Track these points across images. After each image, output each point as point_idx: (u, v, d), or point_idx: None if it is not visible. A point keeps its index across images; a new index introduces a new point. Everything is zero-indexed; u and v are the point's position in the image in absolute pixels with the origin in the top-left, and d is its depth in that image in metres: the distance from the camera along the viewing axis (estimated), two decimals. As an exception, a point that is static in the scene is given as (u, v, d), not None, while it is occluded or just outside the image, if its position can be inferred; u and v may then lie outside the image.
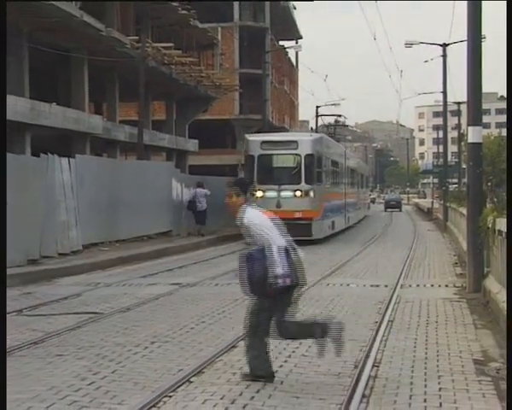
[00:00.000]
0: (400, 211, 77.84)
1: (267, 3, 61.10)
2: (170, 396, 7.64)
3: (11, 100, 24.09)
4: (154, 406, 7.29)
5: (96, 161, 29.44)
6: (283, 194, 29.19)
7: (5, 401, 5.32)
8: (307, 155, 29.74)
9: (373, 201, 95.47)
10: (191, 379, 8.31)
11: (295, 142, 30.47)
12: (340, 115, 62.98)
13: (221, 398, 7.55)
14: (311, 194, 29.57)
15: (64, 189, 22.66)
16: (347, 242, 32.36)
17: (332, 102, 68.90)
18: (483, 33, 15.80)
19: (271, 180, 29.57)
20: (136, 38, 34.90)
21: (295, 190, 29.33)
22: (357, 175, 51.19)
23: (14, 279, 16.44)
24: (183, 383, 8.13)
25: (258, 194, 27.94)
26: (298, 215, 28.53)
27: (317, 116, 63.46)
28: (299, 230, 24.14)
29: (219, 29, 52.80)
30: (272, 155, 30.51)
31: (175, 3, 38.28)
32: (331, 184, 34.98)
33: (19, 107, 25.84)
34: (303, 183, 29.46)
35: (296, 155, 30.00)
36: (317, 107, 65.21)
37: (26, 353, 9.82)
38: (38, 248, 20.35)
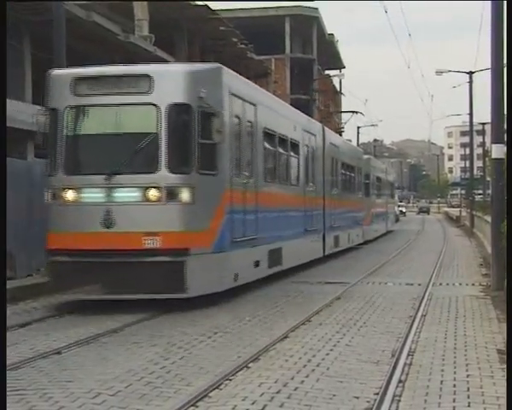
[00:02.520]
0: (428, 214, 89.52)
1: (315, 38, 61.00)
2: (230, 380, 7.64)
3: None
4: (217, 388, 7.29)
5: None
6: (118, 195, 12.24)
7: (5, 401, 5.29)
8: (173, 107, 12.40)
9: (402, 212, 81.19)
10: (249, 365, 8.31)
11: (146, 77, 12.51)
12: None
13: (275, 382, 7.53)
14: (185, 194, 12.39)
15: None
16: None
17: (371, 123, 68.79)
18: (505, 61, 15.67)
19: (93, 165, 12.72)
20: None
21: (147, 188, 12.25)
22: (360, 174, 31.73)
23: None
24: (242, 369, 8.12)
25: (68, 196, 12.40)
26: (151, 243, 12.07)
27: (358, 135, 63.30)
28: (153, 277, 11.84)
29: (273, 60, 52.94)
30: (94, 106, 12.71)
31: (234, 39, 38.43)
32: (269, 178, 16.64)
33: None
34: (163, 169, 12.26)
35: (148, 105, 12.43)
36: (358, 127, 65.17)
37: (108, 340, 9.92)
38: None
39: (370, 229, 32.87)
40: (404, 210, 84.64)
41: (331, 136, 26.24)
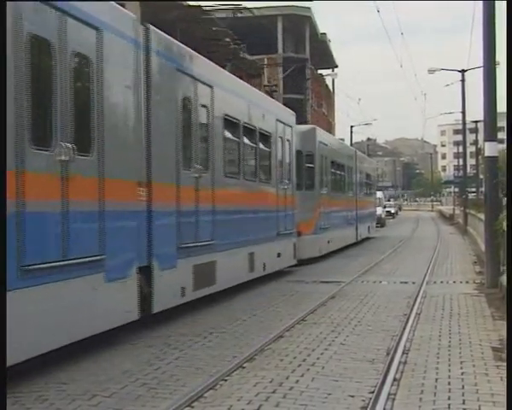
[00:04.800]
0: (394, 218, 69.83)
1: (307, 38, 60.99)
2: (226, 380, 7.64)
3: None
4: (212, 388, 7.30)
5: None
6: None
7: (5, 401, 5.28)
8: None
9: (391, 213, 69.89)
10: (244, 365, 8.32)
11: None
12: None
13: (270, 381, 7.54)
14: None
15: None
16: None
17: (365, 122, 68.93)
18: (497, 59, 15.75)
19: None
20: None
21: None
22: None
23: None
24: (237, 369, 8.13)
25: None
26: None
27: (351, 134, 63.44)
28: None
29: (265, 60, 52.90)
30: None
31: (227, 39, 38.41)
32: (230, 173, 14.38)
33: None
34: None
35: None
36: (352, 126, 65.33)
37: (103, 341, 9.91)
38: None
39: (317, 240, 22.61)
40: (392, 211, 71.90)
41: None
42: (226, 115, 14.01)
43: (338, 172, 27.42)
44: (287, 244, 18.61)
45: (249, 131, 15.67)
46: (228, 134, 14.21)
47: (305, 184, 22.23)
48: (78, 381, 7.59)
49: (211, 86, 13.11)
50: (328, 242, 24.28)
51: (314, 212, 22.53)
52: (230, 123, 14.33)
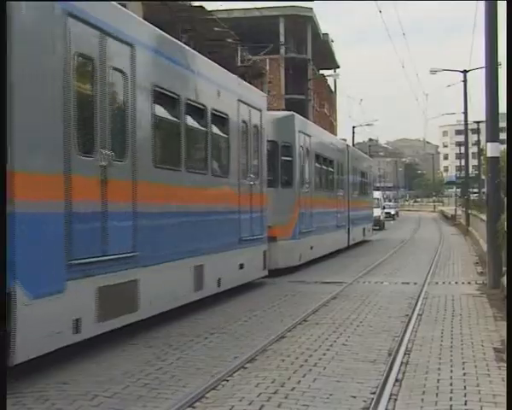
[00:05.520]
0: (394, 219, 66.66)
1: (309, 38, 61.00)
2: (227, 380, 7.63)
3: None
4: (214, 388, 7.29)
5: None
6: None
7: (5, 401, 5.26)
8: None
9: (391, 215, 65.37)
10: (246, 365, 8.31)
11: None
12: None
13: (272, 382, 7.53)
14: None
15: None
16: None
17: (366, 123, 68.98)
18: (499, 60, 15.72)
19: None
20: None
21: None
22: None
23: None
24: (239, 369, 8.12)
25: None
26: None
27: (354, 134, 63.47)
28: None
29: (267, 61, 52.89)
30: None
31: (229, 40, 38.41)
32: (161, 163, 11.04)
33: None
34: None
35: None
36: (353, 127, 65.47)
37: (104, 341, 9.90)
38: None
39: (296, 245, 19.49)
40: (392, 212, 67.79)
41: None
42: (157, 86, 10.74)
43: (325, 167, 24.14)
44: (254, 253, 15.39)
45: (196, 111, 12.40)
46: (161, 111, 11.00)
47: (281, 181, 19.14)
48: (79, 381, 7.58)
49: (131, 44, 9.88)
50: (312, 247, 21.04)
51: (292, 213, 19.36)
52: (165, 97, 11.17)
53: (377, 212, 45.20)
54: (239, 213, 14.47)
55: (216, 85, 13.54)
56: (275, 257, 17.61)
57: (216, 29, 35.67)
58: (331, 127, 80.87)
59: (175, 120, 11.57)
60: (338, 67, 77.43)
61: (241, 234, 14.52)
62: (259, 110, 16.17)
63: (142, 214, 9.99)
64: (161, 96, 10.96)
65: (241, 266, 14.58)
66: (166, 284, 10.92)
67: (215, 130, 13.36)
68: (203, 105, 12.72)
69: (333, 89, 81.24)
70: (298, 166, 19.84)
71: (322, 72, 71.97)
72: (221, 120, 13.69)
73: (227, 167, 14.03)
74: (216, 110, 13.31)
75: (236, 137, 14.47)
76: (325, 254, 23.21)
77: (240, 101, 14.80)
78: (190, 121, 12.16)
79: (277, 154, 19.10)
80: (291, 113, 21.17)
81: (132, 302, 9.77)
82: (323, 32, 65.46)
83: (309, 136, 21.54)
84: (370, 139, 61.92)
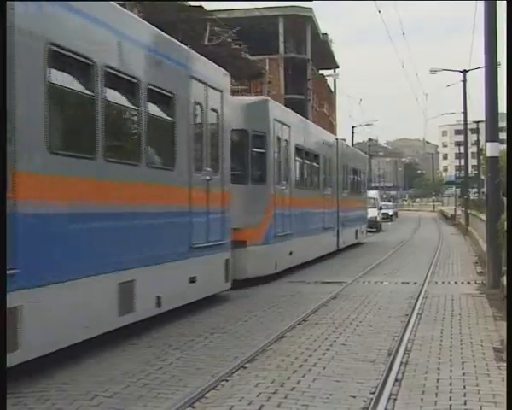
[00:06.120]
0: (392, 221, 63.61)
1: (308, 38, 61.00)
2: (227, 380, 7.64)
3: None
4: (213, 388, 7.30)
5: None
6: None
7: (5, 402, 5.27)
8: None
9: (389, 216, 61.48)
10: (245, 365, 8.32)
11: None
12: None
13: (271, 382, 7.53)
14: None
15: None
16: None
17: (366, 123, 69.00)
18: (498, 61, 15.74)
19: None
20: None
21: None
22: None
23: None
24: (239, 369, 8.13)
25: None
26: None
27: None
28: None
29: (267, 60, 52.84)
30: None
31: (229, 40, 38.41)
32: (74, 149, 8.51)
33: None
34: None
35: None
36: (353, 127, 65.50)
37: (104, 341, 9.91)
38: None
39: (271, 251, 16.95)
40: (390, 213, 63.95)
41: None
42: (57, 46, 8.03)
43: (308, 162, 21.48)
44: (210, 262, 12.75)
45: (122, 84, 9.74)
46: (64, 81, 8.26)
47: (251, 176, 16.46)
48: (80, 381, 7.59)
49: None
50: (291, 253, 18.47)
51: (266, 213, 16.76)
52: (72, 62, 8.43)
53: (373, 212, 42.55)
54: (189, 214, 11.81)
55: (157, 54, 10.97)
56: (243, 265, 15.27)
57: (216, 29, 35.64)
58: (331, 127, 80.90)
59: (88, 93, 8.75)
60: (337, 67, 77.42)
61: (191, 240, 11.85)
62: (220, 91, 13.55)
63: (25, 217, 7.31)
64: (64, 60, 8.23)
65: (193, 280, 11.90)
66: (69, 311, 8.16)
67: (153, 110, 10.68)
68: (134, 77, 10.01)
69: (332, 89, 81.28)
70: (273, 159, 17.18)
71: (321, 72, 71.97)
72: (163, 98, 11.09)
73: (171, 158, 11.36)
74: (154, 85, 10.61)
75: (186, 122, 11.87)
76: (317, 258, 21.76)
77: (191, 77, 12.25)
78: (112, 96, 9.39)
79: (247, 145, 16.43)
80: (265, 98, 19.11)
81: (11, 340, 6.74)
82: (323, 32, 65.46)
83: (288, 126, 18.83)
84: (370, 139, 61.98)
